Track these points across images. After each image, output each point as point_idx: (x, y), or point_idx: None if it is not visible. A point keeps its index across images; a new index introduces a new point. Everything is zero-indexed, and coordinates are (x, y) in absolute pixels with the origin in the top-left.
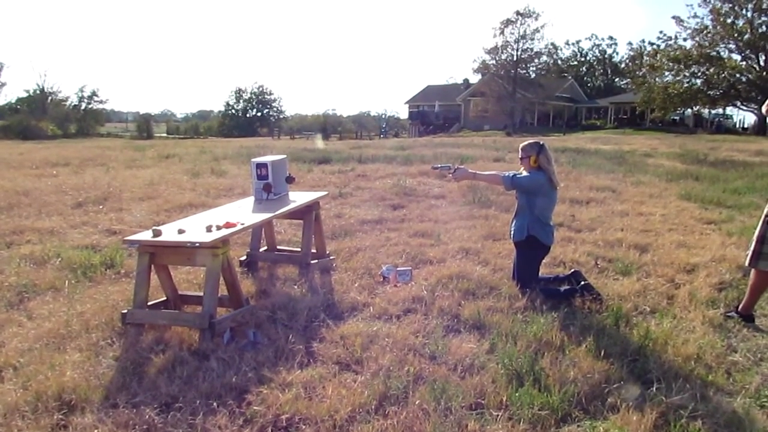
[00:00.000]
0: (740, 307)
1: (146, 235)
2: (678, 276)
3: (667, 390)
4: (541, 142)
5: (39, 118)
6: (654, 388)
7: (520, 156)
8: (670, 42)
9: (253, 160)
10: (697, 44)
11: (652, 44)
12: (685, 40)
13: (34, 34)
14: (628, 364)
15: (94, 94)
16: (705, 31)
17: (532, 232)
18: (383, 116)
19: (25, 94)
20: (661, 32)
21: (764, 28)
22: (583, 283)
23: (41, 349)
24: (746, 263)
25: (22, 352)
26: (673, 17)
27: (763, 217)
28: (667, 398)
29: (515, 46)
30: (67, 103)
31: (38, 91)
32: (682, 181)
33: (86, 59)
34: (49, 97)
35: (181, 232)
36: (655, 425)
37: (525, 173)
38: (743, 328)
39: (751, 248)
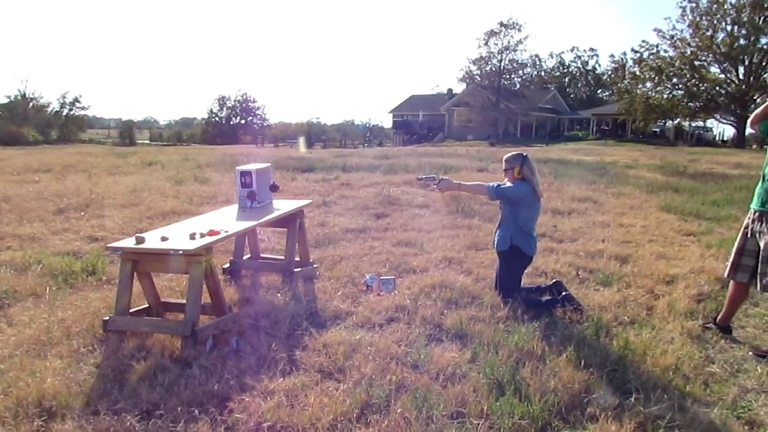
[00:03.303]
0: (718, 318)
1: (129, 242)
2: (657, 287)
3: (645, 400)
4: (525, 154)
5: (20, 124)
6: (632, 398)
7: (503, 167)
8: (653, 51)
9: (237, 168)
10: (679, 54)
11: (636, 52)
12: (665, 52)
13: (15, 40)
14: (608, 374)
15: (76, 100)
16: (685, 42)
17: (515, 242)
18: (368, 125)
19: (5, 100)
20: (643, 41)
21: (742, 41)
22: (564, 293)
23: (22, 355)
24: (725, 274)
25: (2, 359)
26: (655, 29)
27: (742, 229)
28: (646, 408)
29: (499, 57)
30: (49, 109)
31: (19, 97)
32: (663, 192)
33: (68, 65)
34: (31, 103)
35: (164, 239)
36: None
37: (509, 184)
38: (721, 339)
39: (730, 260)
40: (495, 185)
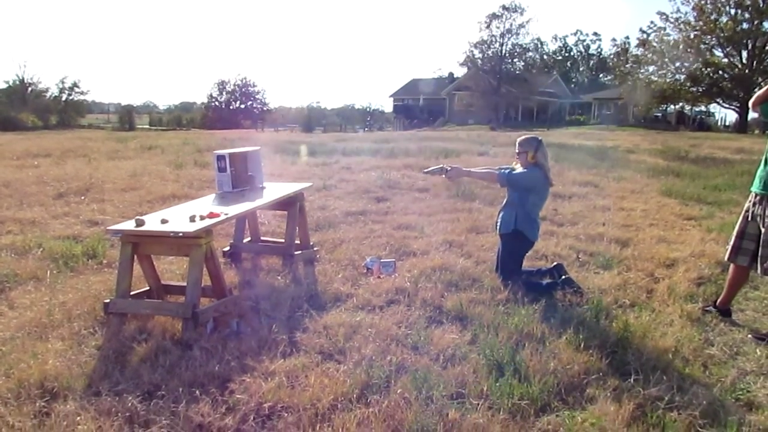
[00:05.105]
0: (718, 301)
1: (129, 225)
2: (658, 270)
3: (644, 382)
4: (539, 138)
5: (19, 109)
6: (632, 380)
7: (516, 151)
8: (660, 33)
9: (214, 152)
10: (683, 37)
11: (643, 32)
12: (668, 35)
13: (12, 24)
14: (607, 356)
15: (75, 85)
16: (689, 26)
17: (519, 227)
18: (368, 109)
19: (4, 86)
20: (651, 22)
21: (746, 25)
22: (564, 276)
23: (23, 337)
24: (725, 258)
25: (4, 341)
26: (658, 13)
27: (743, 212)
28: (645, 390)
29: (501, 41)
30: (48, 94)
31: (18, 82)
32: (664, 177)
33: (67, 50)
34: (29, 88)
35: (164, 221)
36: (632, 416)
37: (519, 168)
38: (720, 322)
39: (731, 243)
40: (506, 172)
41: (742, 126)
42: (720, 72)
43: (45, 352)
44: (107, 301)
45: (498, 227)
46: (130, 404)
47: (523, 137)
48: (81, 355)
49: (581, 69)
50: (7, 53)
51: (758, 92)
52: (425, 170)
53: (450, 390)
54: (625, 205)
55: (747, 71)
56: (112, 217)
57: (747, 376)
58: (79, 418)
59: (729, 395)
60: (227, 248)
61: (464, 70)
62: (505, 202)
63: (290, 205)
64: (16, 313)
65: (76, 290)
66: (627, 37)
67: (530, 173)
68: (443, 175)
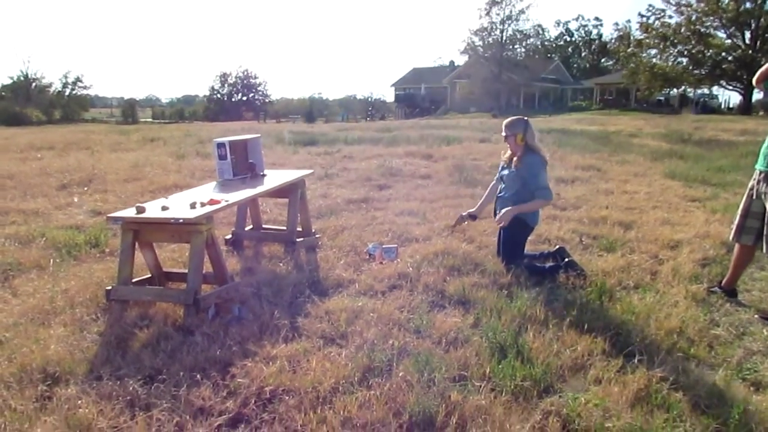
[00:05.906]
0: (723, 282)
1: (130, 212)
2: (662, 252)
3: (649, 363)
4: (526, 118)
5: (23, 104)
6: (636, 361)
7: (504, 134)
8: (659, 16)
9: (214, 140)
10: (685, 20)
11: (643, 16)
12: (670, 17)
13: (16, 20)
14: (611, 338)
15: (78, 80)
16: (690, 8)
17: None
18: (369, 99)
19: (9, 81)
20: (650, 5)
21: (748, 4)
22: (567, 260)
23: (26, 324)
24: (730, 238)
25: (7, 327)
26: None
27: (747, 190)
28: (649, 370)
29: (501, 27)
30: (52, 89)
31: (22, 78)
32: (667, 160)
33: (70, 45)
34: (33, 84)
35: (164, 209)
36: (637, 397)
37: (512, 158)
38: (726, 302)
39: (735, 222)
40: (540, 190)
41: (746, 108)
42: (723, 54)
43: (47, 337)
44: (109, 288)
45: (497, 213)
46: (131, 388)
47: (509, 120)
48: (83, 340)
49: (583, 54)
50: (11, 49)
51: (762, 69)
52: (450, 226)
53: (452, 372)
54: (629, 188)
55: (750, 52)
56: (114, 206)
57: (753, 356)
58: (80, 401)
59: (735, 376)
60: (229, 236)
61: (465, 58)
62: (503, 187)
63: (291, 192)
64: (19, 300)
65: (79, 278)
66: (628, 21)
67: (535, 167)
68: (465, 222)
